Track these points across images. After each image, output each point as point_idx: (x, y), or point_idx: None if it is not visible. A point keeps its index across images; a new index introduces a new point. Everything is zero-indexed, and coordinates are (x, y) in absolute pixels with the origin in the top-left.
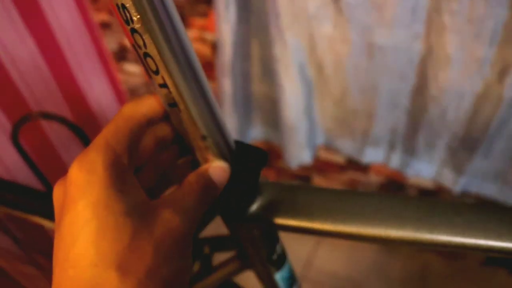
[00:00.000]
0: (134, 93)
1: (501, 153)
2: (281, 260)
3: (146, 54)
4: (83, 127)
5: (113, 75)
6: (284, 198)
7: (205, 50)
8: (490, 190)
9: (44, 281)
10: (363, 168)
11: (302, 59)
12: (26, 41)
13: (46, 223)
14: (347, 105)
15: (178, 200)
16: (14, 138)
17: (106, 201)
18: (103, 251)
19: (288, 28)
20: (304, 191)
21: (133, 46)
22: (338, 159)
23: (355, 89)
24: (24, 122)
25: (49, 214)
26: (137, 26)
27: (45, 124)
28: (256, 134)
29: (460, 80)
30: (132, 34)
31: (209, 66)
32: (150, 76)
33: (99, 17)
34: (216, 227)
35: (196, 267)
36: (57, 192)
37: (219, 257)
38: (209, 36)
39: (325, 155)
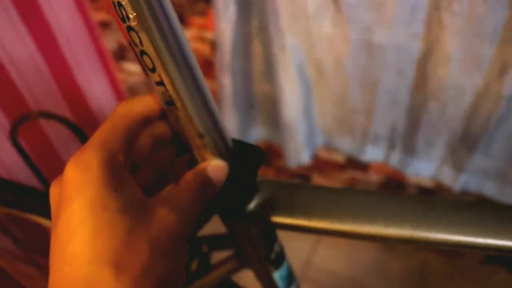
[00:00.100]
0: (133, 92)
1: (501, 151)
2: (279, 259)
3: (143, 52)
4: (83, 127)
5: (113, 74)
6: (282, 197)
7: (205, 49)
8: (490, 188)
9: (44, 281)
10: (363, 167)
11: (301, 60)
12: (25, 40)
13: (45, 222)
14: (346, 104)
15: (175, 198)
16: (13, 137)
17: (102, 199)
18: (98, 249)
19: (287, 28)
20: (302, 189)
21: (130, 44)
22: (338, 158)
23: (355, 88)
24: (22, 122)
25: (49, 214)
26: (133, 23)
27: (45, 124)
28: (257, 134)
29: (459, 79)
30: (128, 32)
31: (209, 65)
32: (146, 74)
33: (99, 16)
34: (215, 226)
35: (194, 265)
36: (53, 191)
37: (218, 256)
38: (208, 35)
39: (324, 154)
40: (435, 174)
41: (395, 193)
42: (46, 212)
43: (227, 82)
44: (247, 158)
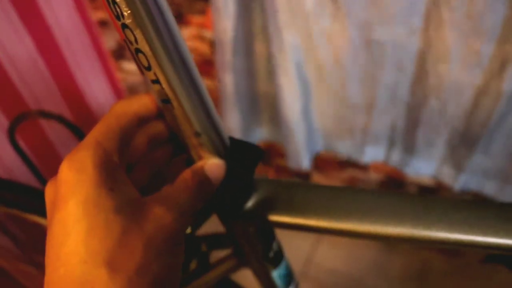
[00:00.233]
0: (133, 91)
1: (501, 150)
2: (278, 257)
3: (138, 50)
4: (82, 126)
5: (112, 73)
6: (279, 195)
7: (204, 47)
8: (490, 188)
9: (43, 280)
10: (363, 165)
11: (299, 58)
12: (24, 40)
13: (44, 222)
14: (346, 103)
15: (172, 197)
16: (11, 136)
17: (96, 199)
18: (93, 248)
19: (286, 25)
20: (300, 188)
21: (125, 41)
22: (338, 156)
23: (354, 85)
24: (21, 121)
25: None
26: (128, 21)
27: (44, 123)
28: (260, 134)
29: (459, 75)
30: (123, 29)
31: (208, 64)
32: (142, 72)
33: (97, 15)
34: (214, 225)
35: (193, 265)
36: (49, 191)
37: (217, 255)
38: (207, 33)
39: (324, 153)
40: (435, 173)
41: (395, 191)
42: (45, 211)
43: (228, 80)
44: (245, 156)
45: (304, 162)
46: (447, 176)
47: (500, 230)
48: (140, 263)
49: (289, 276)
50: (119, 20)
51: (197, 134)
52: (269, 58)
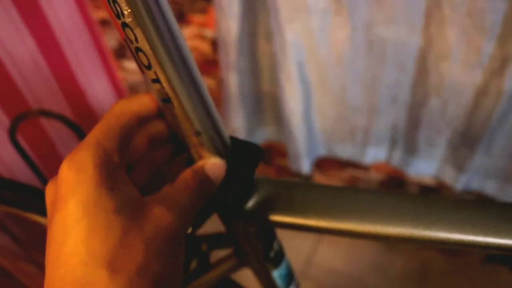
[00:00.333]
0: (134, 91)
1: (502, 150)
2: (279, 257)
3: (138, 49)
4: (83, 125)
5: (113, 72)
6: (280, 195)
7: (205, 47)
8: (491, 187)
9: (44, 279)
10: (364, 165)
11: (301, 58)
12: (25, 39)
13: (44, 221)
14: (347, 103)
15: (172, 197)
16: (12, 135)
17: (96, 200)
18: (93, 249)
19: (287, 23)
20: (300, 187)
21: (125, 40)
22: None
23: (355, 84)
24: (21, 120)
25: None
26: (128, 20)
27: (45, 122)
28: (265, 134)
29: (460, 73)
30: (123, 28)
31: (209, 63)
32: (142, 71)
33: (99, 14)
34: (215, 225)
35: (193, 264)
36: (49, 191)
37: (217, 255)
38: (208, 33)
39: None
40: (436, 173)
41: (395, 191)
42: (45, 210)
43: (232, 80)
44: (245, 156)
45: (305, 166)
46: (448, 176)
47: (501, 230)
48: (140, 264)
49: (289, 276)
50: (119, 19)
51: (198, 134)
52: (273, 58)
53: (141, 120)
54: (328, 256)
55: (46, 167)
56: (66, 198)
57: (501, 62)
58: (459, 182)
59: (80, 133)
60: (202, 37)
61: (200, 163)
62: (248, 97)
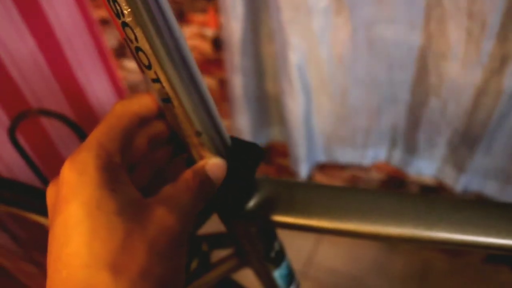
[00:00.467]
0: (134, 90)
1: (502, 150)
2: (279, 257)
3: (138, 48)
4: (83, 124)
5: (113, 72)
6: (281, 195)
7: (205, 46)
8: (491, 187)
9: (44, 279)
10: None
11: (301, 60)
12: (26, 39)
13: (45, 221)
14: (348, 104)
15: (173, 198)
16: (12, 135)
17: (98, 201)
18: (95, 251)
19: (288, 23)
20: (301, 187)
21: (125, 40)
22: None
23: (356, 85)
24: (21, 119)
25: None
26: (128, 19)
27: (45, 121)
28: (271, 135)
29: (459, 72)
30: (123, 27)
31: (209, 63)
32: (142, 71)
33: (99, 13)
34: (215, 224)
35: (194, 264)
36: (50, 192)
37: (218, 255)
38: (208, 32)
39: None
40: (436, 173)
41: (396, 191)
42: (45, 210)
43: (237, 81)
44: (246, 156)
45: (303, 171)
46: (448, 176)
47: (502, 230)
48: (143, 266)
49: (290, 276)
50: (119, 18)
51: (198, 134)
52: (276, 60)
53: (142, 121)
54: (329, 256)
55: (46, 166)
56: (68, 199)
57: (501, 60)
58: (459, 182)
59: (80, 133)
60: (202, 37)
61: (200, 163)
62: (252, 98)
